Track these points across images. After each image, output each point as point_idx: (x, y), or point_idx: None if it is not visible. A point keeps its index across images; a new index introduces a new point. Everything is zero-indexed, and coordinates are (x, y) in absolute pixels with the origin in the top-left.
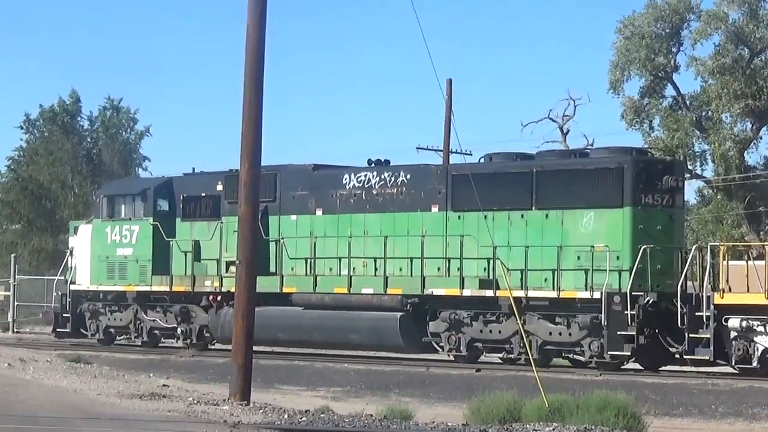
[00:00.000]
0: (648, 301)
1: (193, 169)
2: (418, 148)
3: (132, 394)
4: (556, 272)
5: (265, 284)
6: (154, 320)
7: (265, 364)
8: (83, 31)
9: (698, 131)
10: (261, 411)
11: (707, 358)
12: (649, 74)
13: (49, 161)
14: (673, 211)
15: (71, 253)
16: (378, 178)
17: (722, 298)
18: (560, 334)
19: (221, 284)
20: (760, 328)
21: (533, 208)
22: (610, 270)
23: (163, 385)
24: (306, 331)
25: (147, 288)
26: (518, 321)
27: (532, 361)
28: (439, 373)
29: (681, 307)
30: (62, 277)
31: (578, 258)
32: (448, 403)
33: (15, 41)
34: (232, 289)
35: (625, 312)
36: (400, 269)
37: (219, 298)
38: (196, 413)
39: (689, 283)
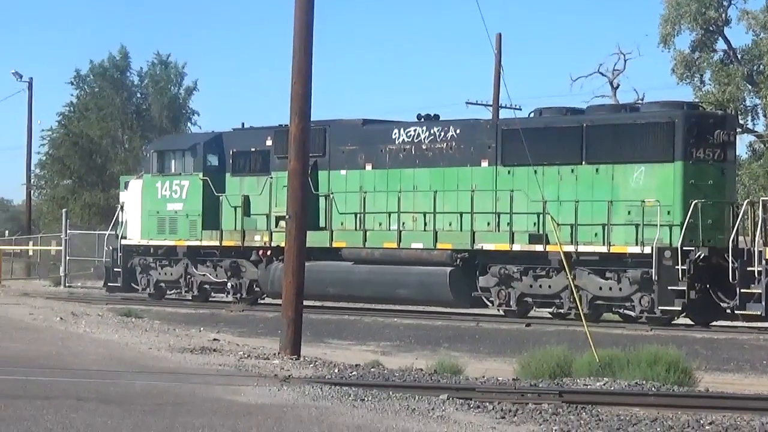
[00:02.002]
0: (699, 256)
1: (243, 124)
2: (467, 102)
3: (183, 348)
4: (606, 227)
5: (314, 239)
6: (204, 275)
7: (315, 318)
8: None
9: (749, 85)
10: (311, 365)
11: (759, 313)
12: (700, 28)
13: (99, 116)
14: (724, 166)
15: (122, 208)
16: (427, 133)
17: None
18: (610, 289)
19: (271, 239)
20: None
21: (583, 162)
22: (660, 225)
23: (214, 339)
24: (356, 285)
25: (197, 243)
26: (568, 276)
27: (582, 315)
28: (488, 328)
29: (732, 262)
30: (113, 232)
31: (629, 213)
32: (498, 357)
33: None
34: (282, 244)
35: (676, 267)
36: (450, 224)
37: (269, 252)
38: (247, 367)
39: (740, 238)
